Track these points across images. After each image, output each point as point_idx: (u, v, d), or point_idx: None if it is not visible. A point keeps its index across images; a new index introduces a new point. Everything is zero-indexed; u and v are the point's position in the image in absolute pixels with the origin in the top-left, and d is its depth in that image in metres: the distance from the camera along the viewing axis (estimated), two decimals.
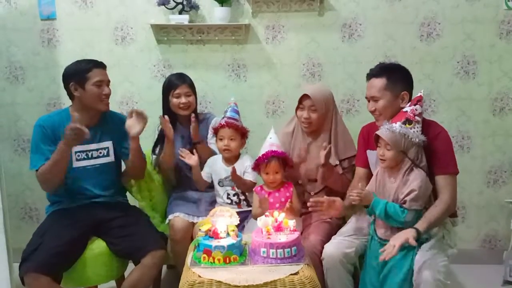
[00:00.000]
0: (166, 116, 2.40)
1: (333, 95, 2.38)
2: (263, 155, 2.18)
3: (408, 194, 1.88)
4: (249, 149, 2.56)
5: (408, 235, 1.81)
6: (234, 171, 2.26)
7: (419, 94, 1.95)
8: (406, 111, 1.93)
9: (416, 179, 1.89)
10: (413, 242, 1.79)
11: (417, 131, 1.90)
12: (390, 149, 1.90)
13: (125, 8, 2.89)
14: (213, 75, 2.94)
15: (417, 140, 1.89)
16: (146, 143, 2.65)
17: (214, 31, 2.87)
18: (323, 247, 2.08)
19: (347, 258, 2.00)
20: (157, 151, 2.56)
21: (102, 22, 2.91)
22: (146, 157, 2.58)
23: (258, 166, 2.22)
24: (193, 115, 2.42)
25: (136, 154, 2.29)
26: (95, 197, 2.28)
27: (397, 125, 1.90)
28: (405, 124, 1.90)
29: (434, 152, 1.96)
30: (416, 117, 1.91)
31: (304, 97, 2.29)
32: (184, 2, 2.79)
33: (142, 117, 2.23)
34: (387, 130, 1.91)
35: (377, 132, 1.95)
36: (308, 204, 2.03)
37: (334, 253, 1.99)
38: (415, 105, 1.93)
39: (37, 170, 2.13)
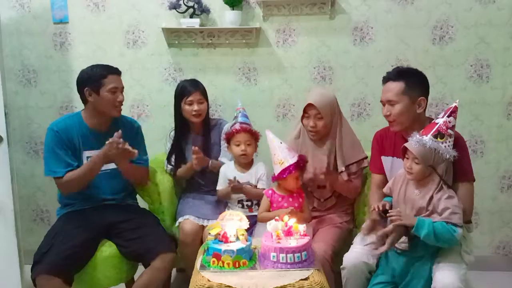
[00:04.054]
0: (196, 148, 2.37)
1: (336, 98, 2.34)
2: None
3: (443, 211, 1.77)
4: (259, 153, 2.55)
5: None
6: (234, 186, 2.30)
7: (454, 105, 1.80)
8: (438, 123, 1.79)
9: (447, 198, 1.78)
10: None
11: (448, 145, 1.77)
12: (418, 163, 1.77)
13: (137, 12, 2.91)
14: (224, 79, 2.95)
15: (447, 156, 1.76)
16: (158, 146, 2.68)
17: (225, 35, 2.88)
18: (333, 252, 2.06)
19: (369, 268, 1.94)
20: (172, 160, 2.55)
21: (114, 26, 2.93)
22: (158, 161, 2.59)
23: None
24: (196, 148, 2.37)
25: (128, 174, 2.29)
26: (106, 200, 2.29)
27: (427, 139, 1.76)
28: (437, 138, 1.76)
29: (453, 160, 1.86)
30: (449, 131, 1.77)
31: (309, 106, 2.25)
32: (195, 6, 2.80)
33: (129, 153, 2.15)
34: (417, 143, 1.77)
35: (405, 144, 1.82)
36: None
37: (356, 262, 1.93)
38: (448, 116, 1.78)
39: (61, 177, 2.15)
